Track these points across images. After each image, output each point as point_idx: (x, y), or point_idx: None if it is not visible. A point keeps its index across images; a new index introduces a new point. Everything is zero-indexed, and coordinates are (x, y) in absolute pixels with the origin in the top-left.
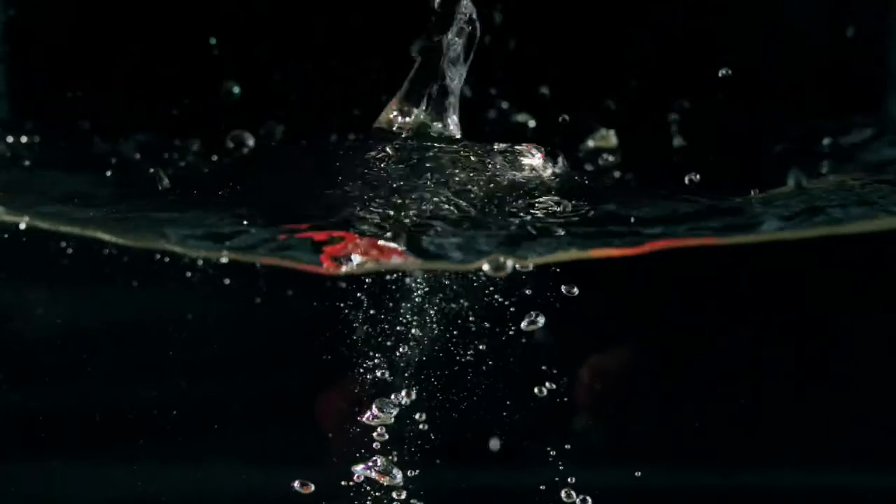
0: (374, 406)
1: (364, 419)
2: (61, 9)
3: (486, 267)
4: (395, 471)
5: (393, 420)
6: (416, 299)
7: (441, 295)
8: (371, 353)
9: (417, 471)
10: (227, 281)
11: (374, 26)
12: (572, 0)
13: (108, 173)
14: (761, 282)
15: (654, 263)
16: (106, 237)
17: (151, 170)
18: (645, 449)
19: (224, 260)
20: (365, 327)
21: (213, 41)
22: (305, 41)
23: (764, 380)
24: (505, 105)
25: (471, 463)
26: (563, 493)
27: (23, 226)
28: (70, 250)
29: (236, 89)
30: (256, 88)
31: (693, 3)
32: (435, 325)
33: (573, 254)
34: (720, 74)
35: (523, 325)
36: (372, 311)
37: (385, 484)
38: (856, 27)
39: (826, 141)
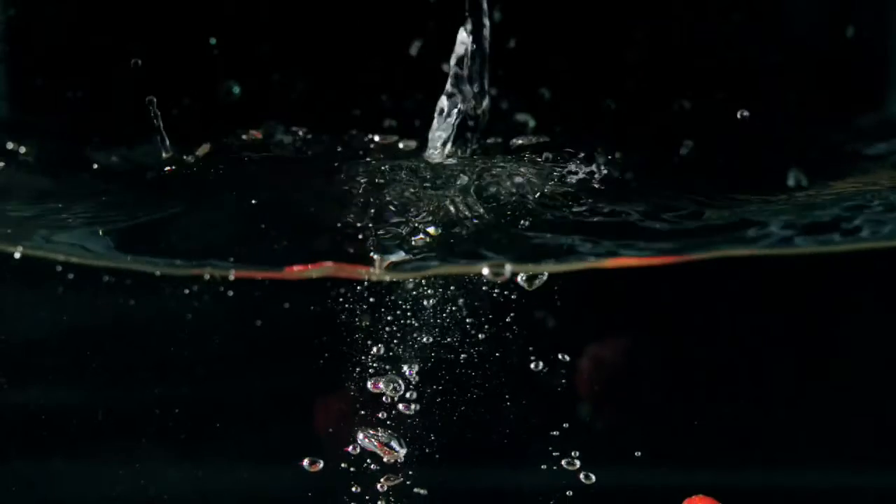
0: (380, 382)
1: (371, 386)
2: (61, 9)
3: (485, 271)
4: (396, 443)
5: (400, 391)
6: (416, 299)
7: (441, 295)
8: (370, 353)
9: (416, 471)
10: (226, 281)
11: (374, 26)
12: (572, 0)
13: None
14: (763, 285)
15: (656, 267)
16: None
17: (159, 137)
18: (645, 448)
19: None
20: (364, 324)
21: (213, 41)
22: (306, 41)
23: (765, 380)
24: (505, 105)
25: (471, 463)
26: (565, 487)
27: (17, 256)
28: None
29: (236, 89)
30: (256, 88)
31: (693, 3)
32: (435, 325)
33: (584, 264)
34: (738, 116)
35: (485, 272)
36: (372, 311)
37: (386, 458)
38: (856, 27)
39: (828, 143)
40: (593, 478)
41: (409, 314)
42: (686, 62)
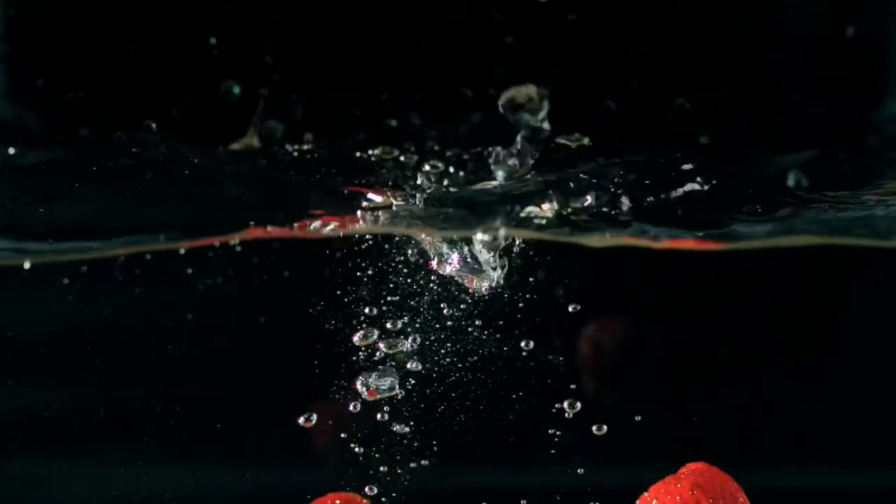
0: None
1: (367, 345)
2: (61, 9)
3: (480, 236)
4: (389, 384)
5: (402, 347)
6: (416, 299)
7: (441, 295)
8: (370, 353)
9: (415, 470)
10: (225, 281)
11: (374, 26)
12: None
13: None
14: (768, 283)
15: (660, 263)
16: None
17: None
18: (644, 448)
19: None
20: (363, 321)
21: (213, 41)
22: (306, 41)
23: (766, 379)
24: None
25: (471, 463)
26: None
27: (27, 265)
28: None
29: (236, 89)
30: (257, 88)
31: (693, 3)
32: (435, 325)
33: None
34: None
35: (479, 237)
36: (371, 312)
37: (379, 397)
38: (856, 27)
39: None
40: (605, 428)
41: (403, 313)
42: (686, 62)
